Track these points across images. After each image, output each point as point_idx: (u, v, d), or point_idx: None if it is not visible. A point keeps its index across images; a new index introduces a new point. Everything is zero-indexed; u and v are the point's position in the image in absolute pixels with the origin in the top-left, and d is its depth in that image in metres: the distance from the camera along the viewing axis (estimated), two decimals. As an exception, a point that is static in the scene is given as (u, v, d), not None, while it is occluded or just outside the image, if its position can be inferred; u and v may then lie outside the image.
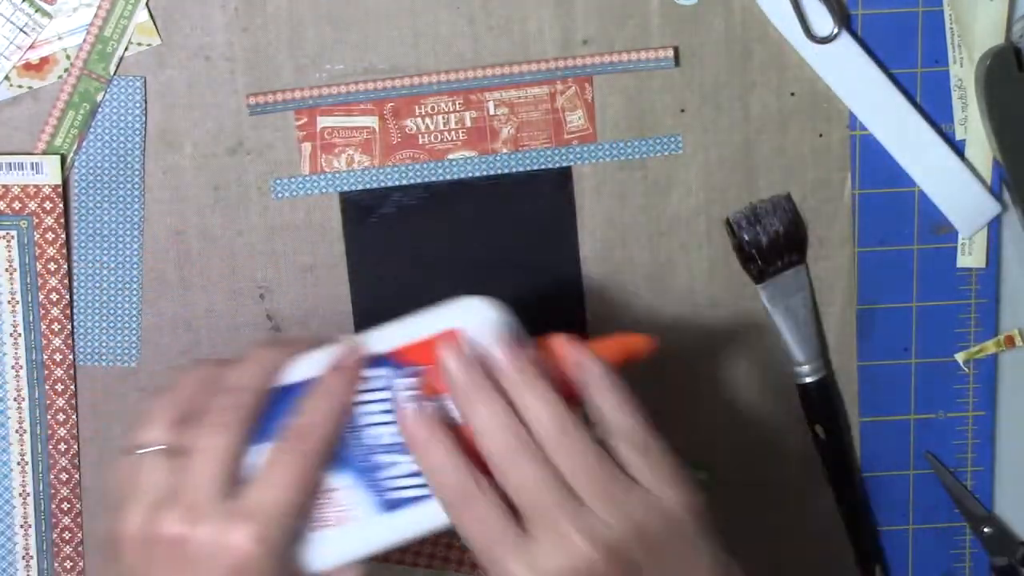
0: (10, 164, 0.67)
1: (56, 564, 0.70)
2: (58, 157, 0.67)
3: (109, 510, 0.55)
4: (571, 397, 0.55)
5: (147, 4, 0.67)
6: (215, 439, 0.53)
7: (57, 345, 0.69)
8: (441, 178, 0.69)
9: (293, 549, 0.54)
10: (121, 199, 0.68)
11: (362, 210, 0.69)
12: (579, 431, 0.52)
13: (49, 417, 0.69)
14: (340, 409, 0.54)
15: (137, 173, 0.68)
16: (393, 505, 0.55)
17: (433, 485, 0.53)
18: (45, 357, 0.69)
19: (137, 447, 0.54)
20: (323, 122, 0.69)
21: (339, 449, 0.55)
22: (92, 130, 0.67)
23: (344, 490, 0.55)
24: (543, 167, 0.70)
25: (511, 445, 0.52)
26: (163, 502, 0.52)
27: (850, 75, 0.70)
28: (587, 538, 0.50)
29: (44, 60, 0.67)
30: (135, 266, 0.69)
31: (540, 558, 0.50)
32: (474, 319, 0.55)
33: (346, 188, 0.69)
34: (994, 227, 0.72)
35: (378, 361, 0.56)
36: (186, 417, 0.54)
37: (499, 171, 0.70)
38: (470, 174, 0.69)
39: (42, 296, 0.68)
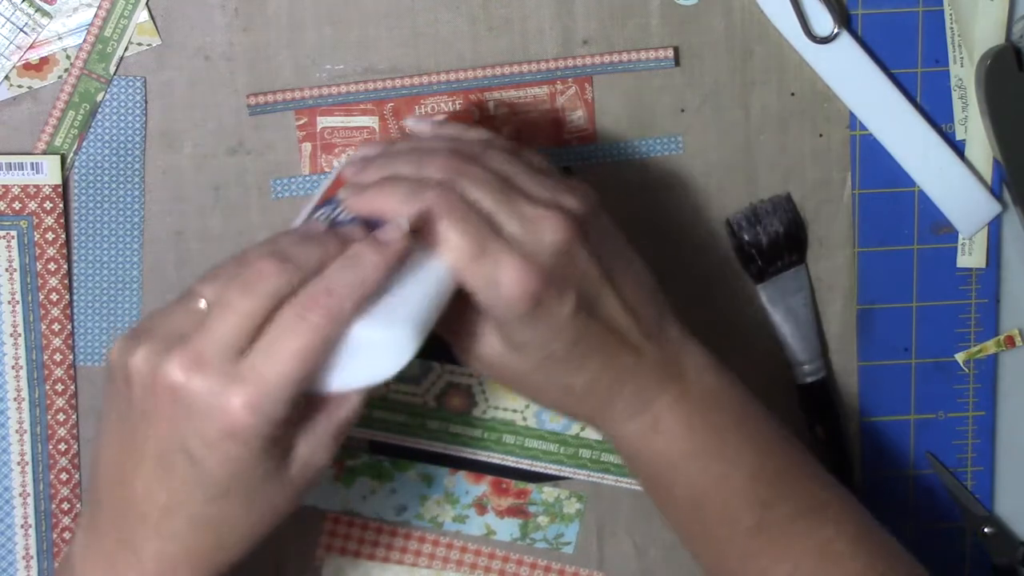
0: (10, 164, 0.67)
1: (56, 564, 0.70)
2: (58, 157, 0.67)
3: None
4: None
5: (147, 4, 0.67)
6: (244, 299, 0.51)
7: (57, 345, 0.69)
8: (441, 178, 0.69)
9: (293, 416, 0.52)
10: (121, 199, 0.68)
11: (362, 210, 0.69)
12: (500, 143, 0.60)
13: (49, 417, 0.69)
14: (366, 285, 0.51)
15: (137, 173, 0.68)
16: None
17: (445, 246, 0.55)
18: (45, 357, 0.69)
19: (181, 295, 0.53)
20: (323, 122, 0.69)
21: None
22: (92, 130, 0.67)
23: None
24: (543, 167, 0.70)
25: (458, 167, 0.56)
26: (174, 345, 0.51)
27: (850, 75, 0.70)
28: (554, 212, 0.56)
29: (44, 60, 0.67)
30: (135, 266, 0.69)
31: (529, 245, 0.55)
32: None
33: (346, 188, 0.69)
34: (994, 227, 0.72)
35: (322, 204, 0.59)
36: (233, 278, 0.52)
37: (499, 171, 0.69)
38: (470, 174, 0.69)
39: (42, 296, 0.68)
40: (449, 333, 0.59)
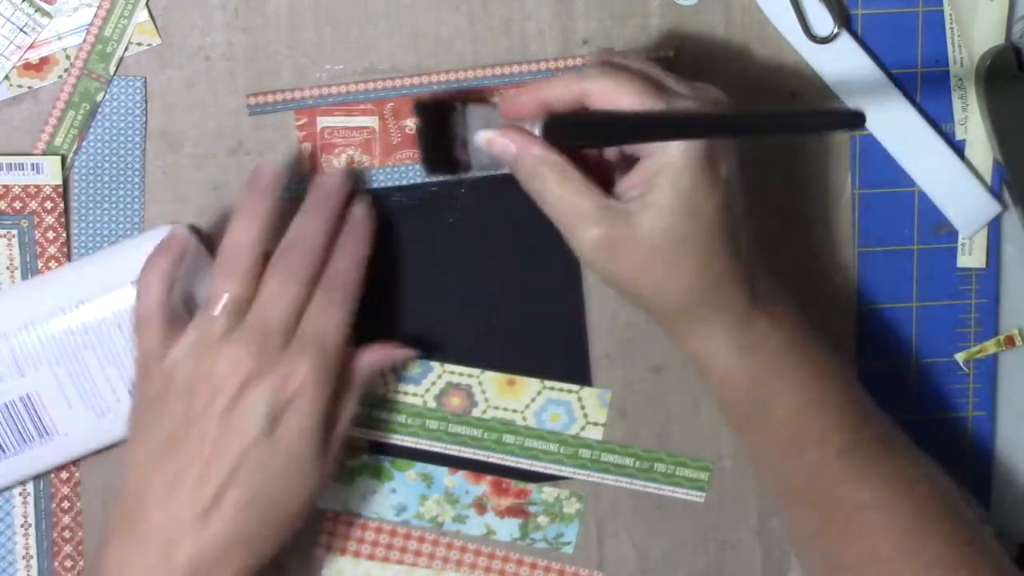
0: (10, 164, 0.67)
1: (56, 564, 0.70)
2: (58, 157, 0.67)
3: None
4: None
5: (147, 4, 0.67)
6: (290, 286, 0.62)
7: (57, 345, 0.69)
8: (441, 178, 0.69)
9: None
10: (121, 199, 0.68)
11: (362, 210, 0.69)
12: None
13: (49, 417, 0.69)
14: (360, 257, 0.65)
15: (137, 173, 0.68)
16: None
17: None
18: (45, 357, 0.69)
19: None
20: (323, 122, 0.69)
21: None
22: (92, 130, 0.67)
23: None
24: (543, 167, 0.70)
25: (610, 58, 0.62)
26: (232, 333, 0.61)
27: (850, 75, 0.70)
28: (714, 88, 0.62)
29: (44, 60, 0.67)
30: (135, 266, 0.69)
31: (698, 101, 0.59)
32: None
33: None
34: (994, 227, 0.72)
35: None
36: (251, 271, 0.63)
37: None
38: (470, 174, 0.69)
39: (42, 296, 0.68)
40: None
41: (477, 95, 0.67)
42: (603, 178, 0.60)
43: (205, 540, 0.60)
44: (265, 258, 0.63)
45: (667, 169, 0.57)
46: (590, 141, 0.59)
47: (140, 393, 0.63)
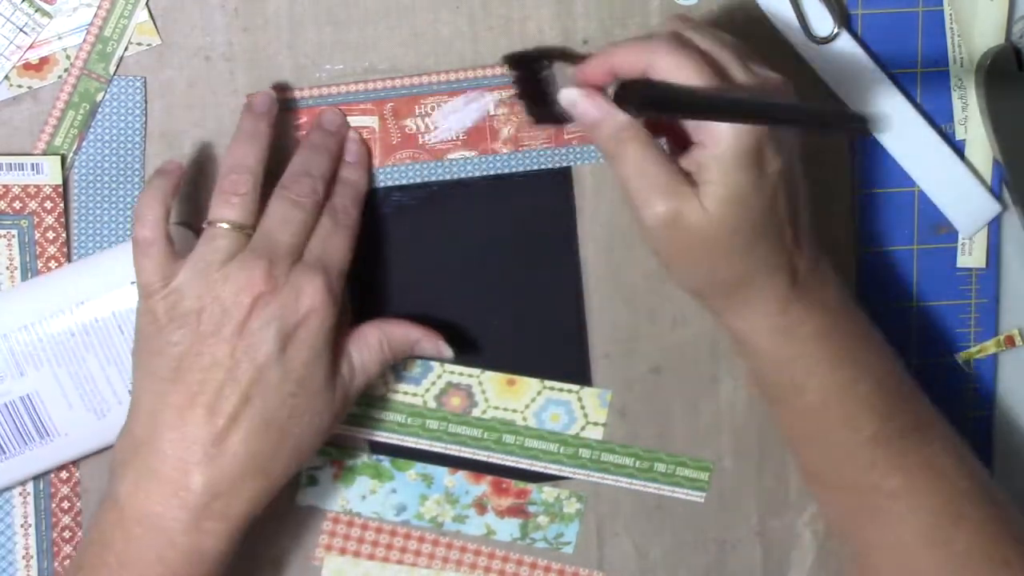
0: (10, 164, 0.67)
1: (56, 564, 0.70)
2: (58, 157, 0.67)
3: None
4: None
5: (147, 4, 0.67)
6: (297, 211, 0.63)
7: (57, 345, 0.69)
8: (441, 178, 0.69)
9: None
10: (121, 199, 0.68)
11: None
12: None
13: (49, 417, 0.69)
14: (365, 188, 0.68)
15: (137, 173, 0.68)
16: None
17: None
18: (45, 357, 0.69)
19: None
20: (323, 122, 0.69)
21: None
22: (92, 130, 0.67)
23: None
24: (543, 167, 0.70)
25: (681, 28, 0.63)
26: (248, 258, 0.61)
27: (850, 75, 0.70)
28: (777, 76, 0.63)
29: (44, 60, 0.67)
30: (135, 266, 0.69)
31: (757, 89, 0.61)
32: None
33: (346, 188, 0.69)
34: (994, 227, 0.72)
35: None
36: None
37: (499, 171, 0.70)
38: (470, 174, 0.69)
39: (42, 296, 0.68)
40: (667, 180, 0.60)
41: (560, 51, 0.66)
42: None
43: (221, 466, 0.60)
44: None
45: (717, 162, 0.58)
46: (653, 111, 0.60)
47: (143, 324, 0.62)
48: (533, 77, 0.65)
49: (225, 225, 0.62)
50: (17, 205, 0.67)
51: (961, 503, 0.62)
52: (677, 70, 0.58)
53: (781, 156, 0.59)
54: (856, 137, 0.69)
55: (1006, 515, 0.63)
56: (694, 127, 0.59)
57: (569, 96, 0.61)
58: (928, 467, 0.63)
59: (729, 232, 0.59)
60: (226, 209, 0.62)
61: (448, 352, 0.68)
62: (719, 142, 0.58)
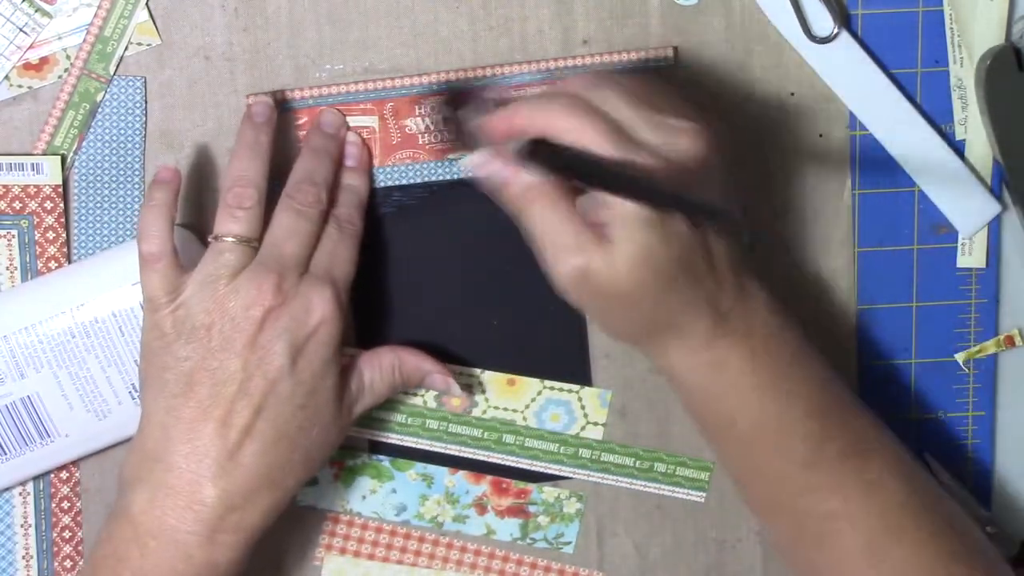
0: (10, 164, 0.67)
1: (56, 564, 0.70)
2: (58, 157, 0.67)
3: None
4: None
5: (147, 4, 0.67)
6: (302, 222, 0.64)
7: (57, 345, 0.69)
8: (441, 178, 0.69)
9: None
10: (121, 199, 0.68)
11: (362, 210, 0.69)
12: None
13: (49, 417, 0.69)
14: (362, 196, 0.68)
15: (137, 173, 0.68)
16: None
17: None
18: (45, 357, 0.69)
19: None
20: (323, 122, 0.69)
21: None
22: (92, 130, 0.67)
23: None
24: (543, 167, 0.70)
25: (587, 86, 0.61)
26: (258, 271, 0.62)
27: (850, 75, 0.70)
28: (693, 126, 0.60)
29: (44, 60, 0.67)
30: (135, 266, 0.69)
31: (663, 149, 0.59)
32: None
33: (346, 188, 0.69)
34: (994, 227, 0.72)
35: None
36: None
37: (499, 171, 0.69)
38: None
39: (42, 296, 0.68)
40: (568, 231, 0.59)
41: (480, 93, 0.67)
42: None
43: (235, 479, 0.61)
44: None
45: (622, 221, 0.58)
46: (555, 174, 0.59)
47: (149, 339, 0.62)
48: (457, 111, 0.65)
49: (231, 239, 0.62)
50: (17, 205, 0.67)
51: (902, 521, 0.62)
52: (574, 133, 0.58)
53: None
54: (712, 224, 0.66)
55: (951, 530, 0.63)
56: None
57: (476, 160, 0.61)
58: (866, 487, 0.62)
59: (638, 285, 0.59)
60: (231, 223, 0.62)
61: (458, 391, 0.68)
62: (623, 203, 0.58)
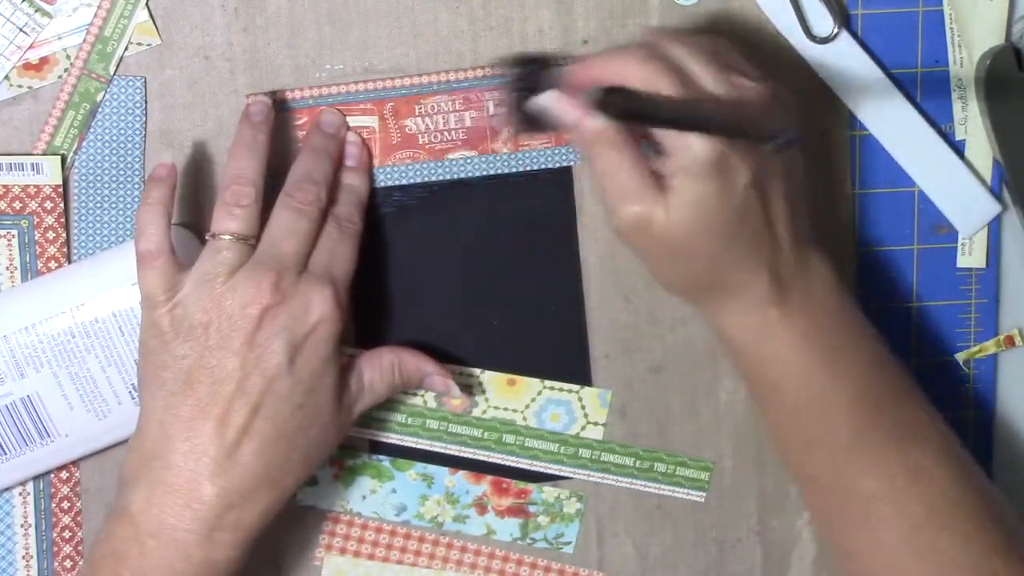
0: (10, 164, 0.67)
1: (56, 564, 0.70)
2: (58, 157, 0.67)
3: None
4: None
5: (147, 4, 0.67)
6: (300, 221, 0.63)
7: (57, 345, 0.69)
8: (441, 178, 0.69)
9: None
10: (121, 199, 0.68)
11: (362, 210, 0.69)
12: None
13: (49, 417, 0.69)
14: (362, 196, 0.68)
15: (137, 173, 0.68)
16: None
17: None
18: (45, 357, 0.69)
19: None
20: (323, 122, 0.69)
21: None
22: (92, 130, 0.67)
23: None
24: (543, 167, 0.70)
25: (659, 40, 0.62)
26: (255, 271, 0.62)
27: (850, 75, 0.70)
28: (758, 84, 0.62)
29: (44, 60, 0.67)
30: (135, 266, 0.69)
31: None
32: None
33: (346, 188, 0.69)
34: (994, 227, 0.72)
35: None
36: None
37: (499, 171, 0.70)
38: (470, 174, 0.69)
39: (42, 296, 0.68)
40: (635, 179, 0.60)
41: (554, 59, 0.66)
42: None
43: (233, 477, 0.61)
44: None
45: (683, 173, 0.59)
46: (624, 118, 0.60)
47: (147, 338, 0.62)
48: (527, 80, 0.64)
49: (228, 237, 0.62)
50: (17, 205, 0.67)
51: (948, 510, 0.62)
52: (646, 81, 0.59)
53: (749, 166, 0.60)
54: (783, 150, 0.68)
55: (998, 524, 0.63)
56: (664, 135, 0.60)
57: (548, 99, 0.62)
58: (912, 473, 0.62)
59: (694, 237, 0.60)
60: (229, 221, 0.62)
61: (457, 392, 0.68)
62: (684, 152, 0.59)
